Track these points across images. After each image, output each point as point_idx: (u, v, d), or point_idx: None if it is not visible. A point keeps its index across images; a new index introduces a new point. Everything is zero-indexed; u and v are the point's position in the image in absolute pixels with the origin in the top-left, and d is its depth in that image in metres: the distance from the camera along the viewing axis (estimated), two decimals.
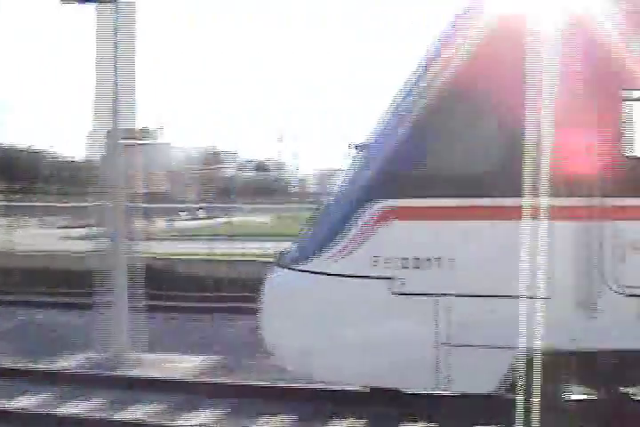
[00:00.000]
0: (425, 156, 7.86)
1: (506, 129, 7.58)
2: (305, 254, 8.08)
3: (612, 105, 7.35)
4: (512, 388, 6.90)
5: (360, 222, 7.71)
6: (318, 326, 7.86)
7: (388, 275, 7.53)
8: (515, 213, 6.85)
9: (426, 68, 7.99)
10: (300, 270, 7.99)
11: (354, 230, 7.72)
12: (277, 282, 8.27)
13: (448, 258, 7.46)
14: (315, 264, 7.85)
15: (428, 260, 7.50)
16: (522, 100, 7.04)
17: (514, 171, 6.91)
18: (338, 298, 7.80)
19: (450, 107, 7.77)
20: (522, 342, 6.38)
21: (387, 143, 8.00)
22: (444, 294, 7.40)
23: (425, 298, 7.45)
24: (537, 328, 6.32)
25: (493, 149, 7.65)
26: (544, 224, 6.78)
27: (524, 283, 6.49)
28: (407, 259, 7.53)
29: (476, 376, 7.47)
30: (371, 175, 7.99)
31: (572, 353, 7.29)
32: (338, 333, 7.77)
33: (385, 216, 7.63)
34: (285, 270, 8.23)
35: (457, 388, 7.63)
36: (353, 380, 8.21)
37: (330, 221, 8.20)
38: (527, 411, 6.28)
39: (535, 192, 6.81)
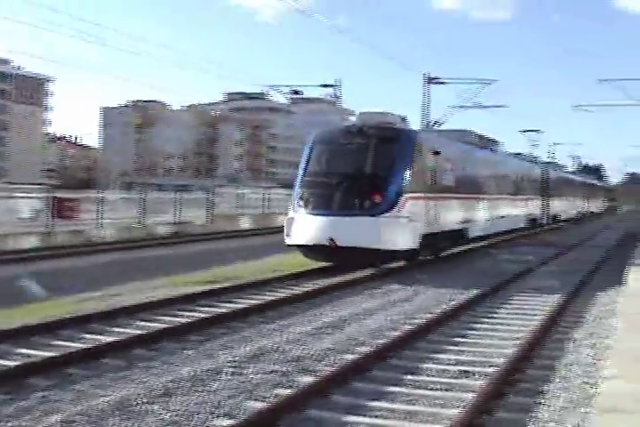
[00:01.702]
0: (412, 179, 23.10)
1: None
2: (385, 210, 21.69)
3: None
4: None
5: (403, 200, 22.03)
6: (395, 228, 21.67)
7: (408, 215, 22.08)
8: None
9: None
10: (374, 213, 21.61)
11: (400, 203, 21.96)
12: (382, 220, 21.54)
13: (418, 210, 22.97)
14: (392, 213, 21.67)
15: (415, 212, 22.69)
16: None
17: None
18: (398, 222, 21.75)
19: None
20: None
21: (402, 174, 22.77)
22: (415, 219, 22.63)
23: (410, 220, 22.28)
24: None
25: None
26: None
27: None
28: (411, 210, 22.34)
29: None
30: (402, 186, 22.45)
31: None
32: (399, 229, 21.91)
33: (407, 200, 22.28)
34: (379, 217, 21.59)
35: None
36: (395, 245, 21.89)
37: (391, 200, 21.87)
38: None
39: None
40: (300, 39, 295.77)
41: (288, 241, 23.04)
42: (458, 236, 27.96)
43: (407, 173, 22.91)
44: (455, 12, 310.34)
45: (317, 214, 22.26)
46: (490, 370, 10.64)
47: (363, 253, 21.54)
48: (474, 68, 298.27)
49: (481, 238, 32.10)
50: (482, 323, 14.77)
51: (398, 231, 21.93)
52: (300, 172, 23.98)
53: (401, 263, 24.51)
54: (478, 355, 11.84)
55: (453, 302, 16.91)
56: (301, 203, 22.82)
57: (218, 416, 8.61)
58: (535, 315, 15.45)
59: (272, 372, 10.53)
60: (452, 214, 26.97)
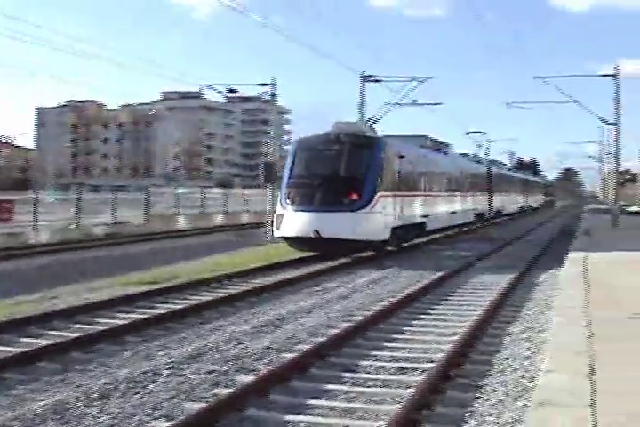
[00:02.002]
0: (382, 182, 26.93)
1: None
2: (362, 206, 25.65)
3: None
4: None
5: (376, 198, 26.08)
6: (371, 222, 25.80)
7: (381, 211, 26.37)
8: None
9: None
10: (352, 209, 25.52)
11: (374, 200, 26.00)
12: (352, 212, 25.38)
13: (388, 206, 27.09)
14: (368, 209, 25.68)
15: (386, 208, 26.89)
16: None
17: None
18: (373, 217, 25.95)
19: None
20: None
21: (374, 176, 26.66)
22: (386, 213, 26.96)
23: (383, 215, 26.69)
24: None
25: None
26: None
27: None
28: (384, 204, 26.68)
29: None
30: (375, 186, 26.42)
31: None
32: (374, 222, 26.01)
33: (380, 197, 26.31)
34: (357, 212, 25.49)
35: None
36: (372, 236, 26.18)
37: (366, 198, 25.79)
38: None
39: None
40: (236, 38, 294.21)
41: (277, 234, 27.20)
42: (419, 228, 32.32)
43: (379, 175, 26.98)
44: (390, 9, 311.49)
45: (304, 210, 26.03)
46: (428, 366, 10.71)
47: (343, 243, 25.50)
48: (410, 66, 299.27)
49: (436, 231, 36.35)
50: (420, 319, 14.85)
51: (373, 224, 26.08)
52: (286, 173, 28.00)
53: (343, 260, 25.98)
54: (416, 351, 11.90)
55: (392, 299, 17.01)
56: (289, 201, 26.63)
57: (156, 418, 8.56)
58: (473, 310, 15.59)
59: (210, 372, 10.49)
60: (414, 210, 31.41)
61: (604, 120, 44.68)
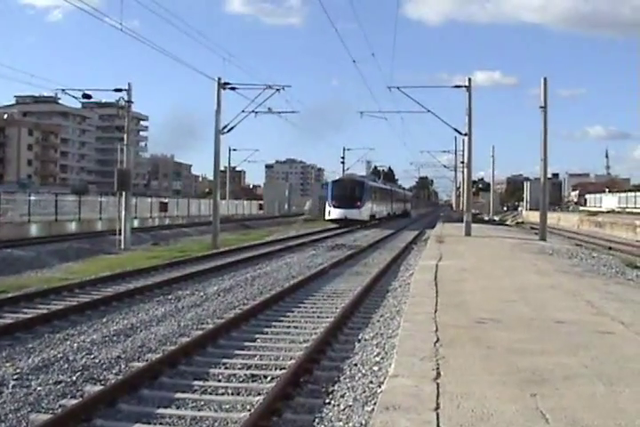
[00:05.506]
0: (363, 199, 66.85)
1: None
2: (359, 205, 65.49)
3: None
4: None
5: (366, 203, 67.20)
6: (365, 213, 66.95)
7: (367, 208, 67.93)
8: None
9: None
10: (358, 208, 65.40)
11: (364, 203, 66.73)
12: (357, 209, 65.21)
13: (369, 207, 68.88)
14: (361, 206, 65.70)
15: (369, 207, 68.76)
16: None
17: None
18: (365, 210, 67.17)
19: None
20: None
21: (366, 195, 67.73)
22: (369, 209, 69.25)
23: (367, 210, 67.97)
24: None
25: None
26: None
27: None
28: (368, 206, 68.14)
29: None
30: (366, 199, 67.43)
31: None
32: (365, 213, 67.36)
33: (367, 203, 67.70)
34: (355, 209, 65.03)
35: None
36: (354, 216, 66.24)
37: (360, 202, 65.68)
38: None
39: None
40: (93, 42, 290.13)
41: (327, 218, 65.11)
42: (374, 218, 70.35)
43: (366, 194, 66.21)
44: (246, 16, 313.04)
45: (339, 208, 63.86)
46: (278, 373, 10.76)
47: (355, 221, 63.23)
48: (268, 73, 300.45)
49: (378, 220, 74.38)
50: (272, 327, 14.93)
51: (365, 214, 65.87)
52: (329, 193, 65.98)
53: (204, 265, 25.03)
54: (266, 358, 11.96)
55: (245, 307, 17.10)
56: (332, 204, 64.18)
57: None
58: (325, 317, 15.76)
59: (58, 382, 10.31)
60: (374, 209, 70.21)
61: (456, 130, 45.64)
